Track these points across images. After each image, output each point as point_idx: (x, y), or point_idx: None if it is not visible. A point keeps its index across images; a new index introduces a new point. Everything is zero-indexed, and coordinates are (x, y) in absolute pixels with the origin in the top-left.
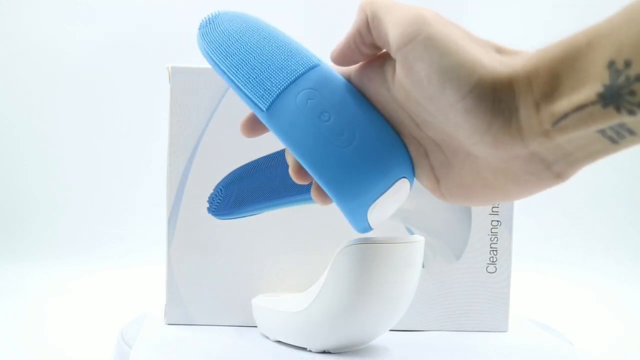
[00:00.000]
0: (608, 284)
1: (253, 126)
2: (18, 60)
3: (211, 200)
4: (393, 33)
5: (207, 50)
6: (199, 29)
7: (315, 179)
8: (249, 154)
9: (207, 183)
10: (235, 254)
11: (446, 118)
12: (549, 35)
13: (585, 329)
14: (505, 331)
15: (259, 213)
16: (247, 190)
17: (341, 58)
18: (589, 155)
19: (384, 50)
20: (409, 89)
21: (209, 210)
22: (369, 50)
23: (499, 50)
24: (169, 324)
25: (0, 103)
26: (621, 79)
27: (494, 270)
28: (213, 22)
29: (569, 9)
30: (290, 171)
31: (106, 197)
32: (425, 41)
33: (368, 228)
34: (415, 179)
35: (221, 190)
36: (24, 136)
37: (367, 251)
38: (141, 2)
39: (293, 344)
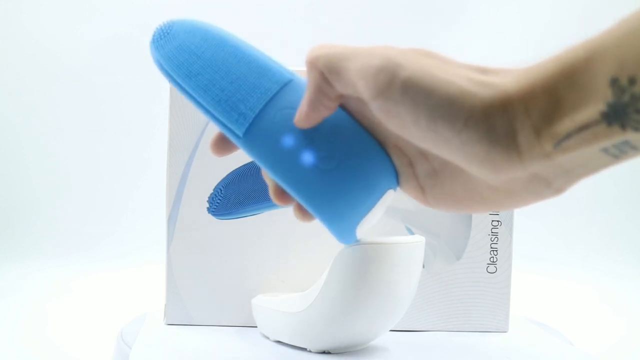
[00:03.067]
0: (608, 283)
1: (225, 145)
2: (18, 59)
3: (211, 200)
4: (363, 85)
5: (167, 68)
6: (152, 42)
7: (303, 204)
8: None
9: (207, 183)
10: (235, 254)
11: (440, 150)
12: (548, 35)
13: (585, 329)
14: (505, 331)
15: (259, 213)
16: (247, 191)
17: (310, 121)
18: (590, 170)
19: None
20: (394, 132)
21: (209, 210)
22: (336, 102)
23: (483, 71)
24: (168, 324)
25: (0, 103)
26: (626, 97)
27: (494, 270)
28: (168, 33)
29: (569, 8)
30: (271, 194)
31: (106, 197)
32: (403, 86)
33: (355, 241)
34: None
35: (221, 191)
36: (24, 136)
37: (368, 252)
38: (141, 2)
39: (293, 344)
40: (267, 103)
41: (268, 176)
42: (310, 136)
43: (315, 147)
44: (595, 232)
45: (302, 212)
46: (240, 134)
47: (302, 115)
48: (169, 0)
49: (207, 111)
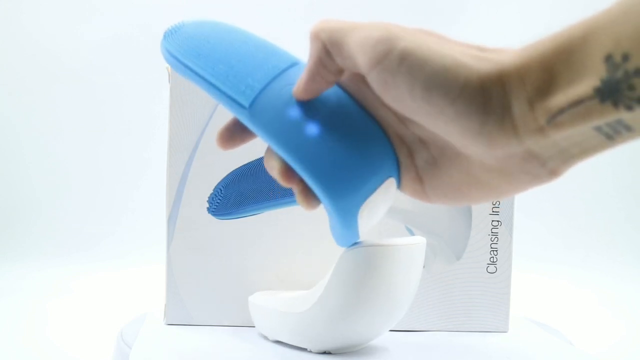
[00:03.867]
0: (608, 284)
1: (231, 136)
2: (18, 59)
3: (211, 200)
4: (361, 56)
5: (176, 54)
6: (163, 39)
7: (304, 176)
8: (249, 154)
9: (207, 183)
10: (235, 254)
11: (436, 123)
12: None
13: (585, 329)
14: (505, 331)
15: (259, 213)
16: (247, 190)
17: (308, 93)
18: (584, 151)
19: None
20: (391, 105)
21: (209, 210)
22: (336, 76)
23: (482, 49)
24: (168, 324)
25: (0, 103)
26: (619, 73)
27: (494, 270)
28: (179, 30)
29: (569, 8)
30: (277, 174)
31: (106, 197)
32: (400, 56)
33: (355, 236)
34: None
35: (221, 191)
36: (24, 136)
37: (370, 254)
38: (141, 2)
39: (293, 344)
40: (274, 78)
41: (270, 157)
42: (316, 110)
43: (319, 120)
44: (595, 232)
45: (306, 197)
46: (247, 105)
47: (301, 85)
48: (169, 1)
49: (213, 87)
